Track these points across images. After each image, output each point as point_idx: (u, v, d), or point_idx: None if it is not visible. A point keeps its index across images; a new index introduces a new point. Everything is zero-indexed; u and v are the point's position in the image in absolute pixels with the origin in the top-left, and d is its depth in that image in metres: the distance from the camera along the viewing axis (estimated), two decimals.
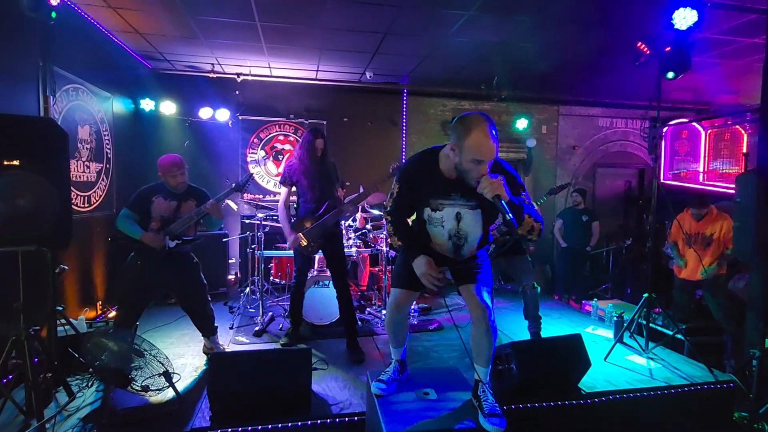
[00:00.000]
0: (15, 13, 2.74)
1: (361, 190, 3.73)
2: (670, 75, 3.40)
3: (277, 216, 4.96)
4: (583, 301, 4.99)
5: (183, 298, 3.18)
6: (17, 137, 2.27)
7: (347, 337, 3.48)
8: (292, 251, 3.97)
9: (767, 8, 3.17)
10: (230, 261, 5.66)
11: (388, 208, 2.15)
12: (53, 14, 2.80)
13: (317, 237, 3.42)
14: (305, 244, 3.42)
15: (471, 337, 2.09)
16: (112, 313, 4.03)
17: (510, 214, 1.75)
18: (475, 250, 2.14)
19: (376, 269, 5.19)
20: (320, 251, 3.60)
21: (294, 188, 3.51)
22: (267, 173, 6.18)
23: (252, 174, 3.31)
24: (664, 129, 7.34)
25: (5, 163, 2.22)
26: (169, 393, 2.59)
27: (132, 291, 2.99)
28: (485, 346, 2.04)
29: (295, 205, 3.61)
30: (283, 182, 3.52)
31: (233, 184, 3.16)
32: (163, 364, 2.56)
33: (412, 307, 4.39)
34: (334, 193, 3.52)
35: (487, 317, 2.01)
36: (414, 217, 2.21)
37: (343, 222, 4.24)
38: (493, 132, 1.81)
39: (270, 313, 4.35)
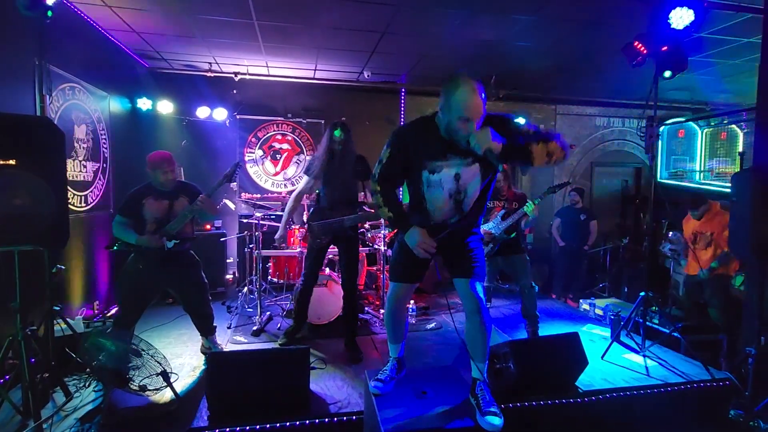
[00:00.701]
0: (10, 11, 2.72)
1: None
2: (667, 74, 3.41)
3: (274, 215, 4.97)
4: (581, 300, 5.01)
5: (183, 298, 3.16)
6: (13, 136, 2.26)
7: (346, 336, 3.48)
8: (292, 249, 3.92)
9: (764, 7, 3.18)
10: (228, 260, 5.65)
11: (377, 176, 2.05)
12: (49, 13, 2.78)
13: (328, 232, 3.36)
14: (315, 234, 3.39)
15: (465, 331, 2.11)
16: (110, 313, 4.02)
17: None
18: (475, 209, 2.11)
19: (374, 268, 5.20)
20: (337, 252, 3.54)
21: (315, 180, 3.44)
22: (265, 172, 6.17)
23: (239, 162, 3.21)
24: (661, 128, 7.37)
25: (1, 162, 2.21)
26: (167, 393, 2.59)
27: (133, 292, 2.98)
28: (480, 340, 2.06)
29: (317, 191, 3.54)
30: (305, 171, 3.48)
31: (222, 176, 3.08)
32: (160, 364, 2.56)
33: (410, 306, 4.40)
34: (354, 192, 3.43)
35: (481, 310, 2.03)
36: (409, 190, 2.17)
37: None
38: (481, 91, 1.82)
39: (268, 313, 4.35)
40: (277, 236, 3.59)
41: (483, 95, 1.84)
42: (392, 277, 2.27)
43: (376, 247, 4.71)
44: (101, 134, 4.33)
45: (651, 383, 2.95)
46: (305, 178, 3.48)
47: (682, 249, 4.24)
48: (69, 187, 3.45)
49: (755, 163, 3.03)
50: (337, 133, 3.26)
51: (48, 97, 3.18)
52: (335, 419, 2.45)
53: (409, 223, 2.02)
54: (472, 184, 2.04)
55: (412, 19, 3.92)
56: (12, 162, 2.23)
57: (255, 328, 3.93)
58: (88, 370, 2.81)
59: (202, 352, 3.33)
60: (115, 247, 2.98)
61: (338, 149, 3.28)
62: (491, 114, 1.96)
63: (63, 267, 3.16)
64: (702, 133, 7.19)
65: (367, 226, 4.89)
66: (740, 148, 6.46)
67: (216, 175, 5.62)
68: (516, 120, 2.01)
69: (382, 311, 4.25)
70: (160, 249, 2.91)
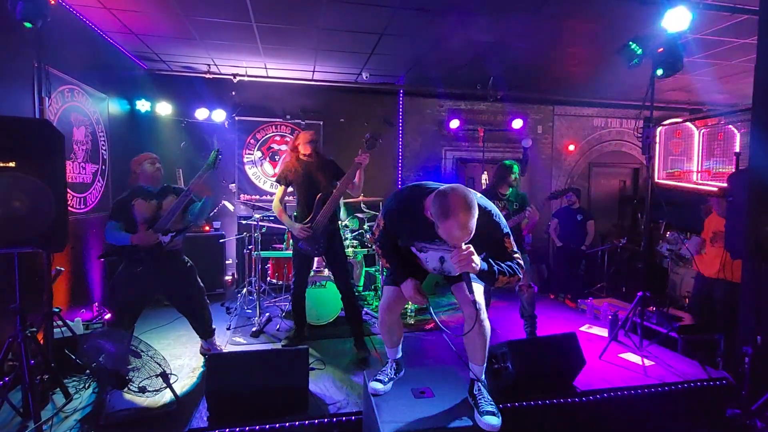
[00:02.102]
0: (9, 14, 2.73)
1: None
2: (659, 72, 3.42)
3: (273, 216, 4.97)
4: (579, 300, 5.03)
5: (179, 303, 3.16)
6: (13, 139, 2.27)
7: (354, 336, 3.47)
8: (291, 250, 3.91)
9: (759, 9, 3.20)
10: (227, 262, 5.65)
11: (376, 236, 2.24)
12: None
13: (313, 242, 3.33)
14: (308, 253, 3.39)
15: (464, 336, 2.10)
16: (108, 315, 4.02)
17: (472, 296, 1.86)
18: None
19: (372, 269, 5.21)
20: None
21: (290, 188, 3.47)
22: (263, 174, 6.17)
23: (219, 149, 3.18)
24: (658, 129, 7.40)
25: (1, 164, 2.22)
26: (167, 394, 2.60)
27: (126, 299, 2.94)
28: (479, 344, 2.06)
29: (295, 213, 3.50)
30: (278, 181, 3.49)
31: (204, 164, 3.09)
32: (160, 365, 2.56)
33: (409, 306, 4.41)
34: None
35: (479, 315, 2.02)
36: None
37: (339, 222, 4.16)
38: (471, 219, 1.70)
39: (267, 314, 4.35)
40: (297, 232, 3.32)
41: (472, 220, 1.70)
42: (387, 281, 2.29)
43: (374, 248, 4.72)
44: (100, 136, 4.34)
45: (648, 383, 2.96)
46: (281, 188, 3.48)
47: (695, 249, 4.16)
48: (68, 189, 3.45)
49: (751, 164, 3.04)
50: (305, 139, 3.38)
51: (47, 99, 3.19)
52: (334, 419, 2.45)
53: (404, 277, 2.13)
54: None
55: (410, 20, 3.93)
56: (11, 164, 2.24)
57: (254, 329, 3.94)
58: (87, 371, 2.81)
59: (202, 354, 3.34)
60: (109, 256, 2.96)
61: (306, 155, 3.37)
62: (492, 222, 1.90)
63: (62, 269, 3.17)
64: (699, 133, 7.22)
65: (365, 227, 4.90)
66: (737, 149, 6.49)
67: (214, 176, 5.66)
68: (507, 235, 1.94)
69: None
70: (156, 246, 2.87)
